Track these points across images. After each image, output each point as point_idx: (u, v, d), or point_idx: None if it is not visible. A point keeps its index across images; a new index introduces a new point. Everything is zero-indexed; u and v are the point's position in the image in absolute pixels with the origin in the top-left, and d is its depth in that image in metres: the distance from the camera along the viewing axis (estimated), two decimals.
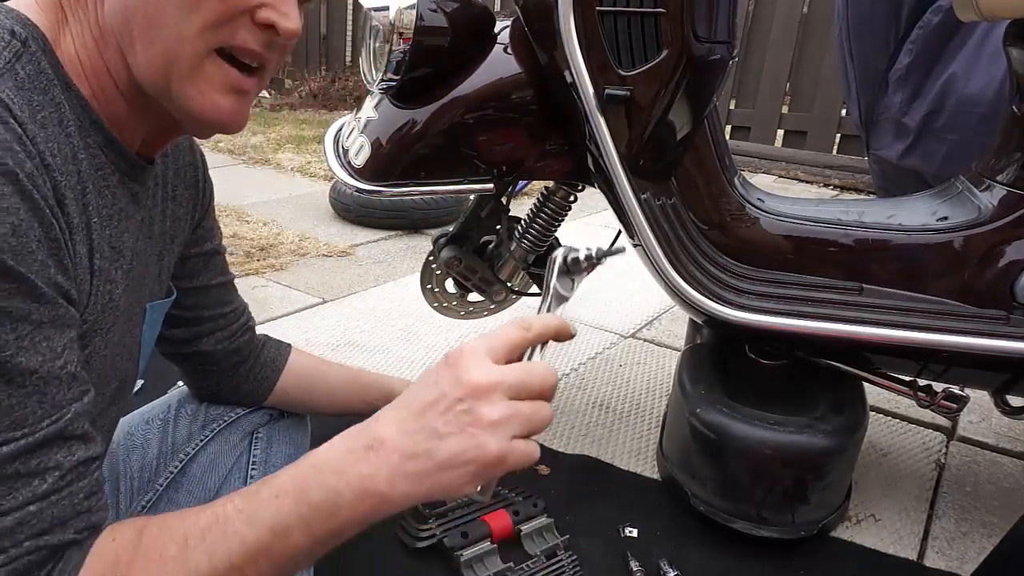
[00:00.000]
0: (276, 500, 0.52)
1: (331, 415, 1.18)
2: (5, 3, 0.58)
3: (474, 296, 1.34)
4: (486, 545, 1.04)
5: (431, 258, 1.29)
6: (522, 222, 1.25)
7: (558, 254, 0.71)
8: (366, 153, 1.05)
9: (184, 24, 0.55)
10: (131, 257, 0.67)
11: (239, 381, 1.02)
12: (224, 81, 0.59)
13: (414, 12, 0.96)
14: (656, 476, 1.29)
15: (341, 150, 1.12)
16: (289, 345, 1.10)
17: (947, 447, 1.45)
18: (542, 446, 1.35)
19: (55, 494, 0.49)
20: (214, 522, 0.52)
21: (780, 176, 4.15)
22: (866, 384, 1.18)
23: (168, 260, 0.82)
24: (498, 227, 1.25)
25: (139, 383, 0.80)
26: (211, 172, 0.90)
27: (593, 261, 0.73)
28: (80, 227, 0.56)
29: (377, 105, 1.08)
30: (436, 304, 1.34)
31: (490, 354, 0.55)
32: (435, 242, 1.28)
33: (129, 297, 0.69)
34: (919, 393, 1.11)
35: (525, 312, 1.97)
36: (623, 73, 0.98)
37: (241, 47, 0.58)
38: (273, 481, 0.54)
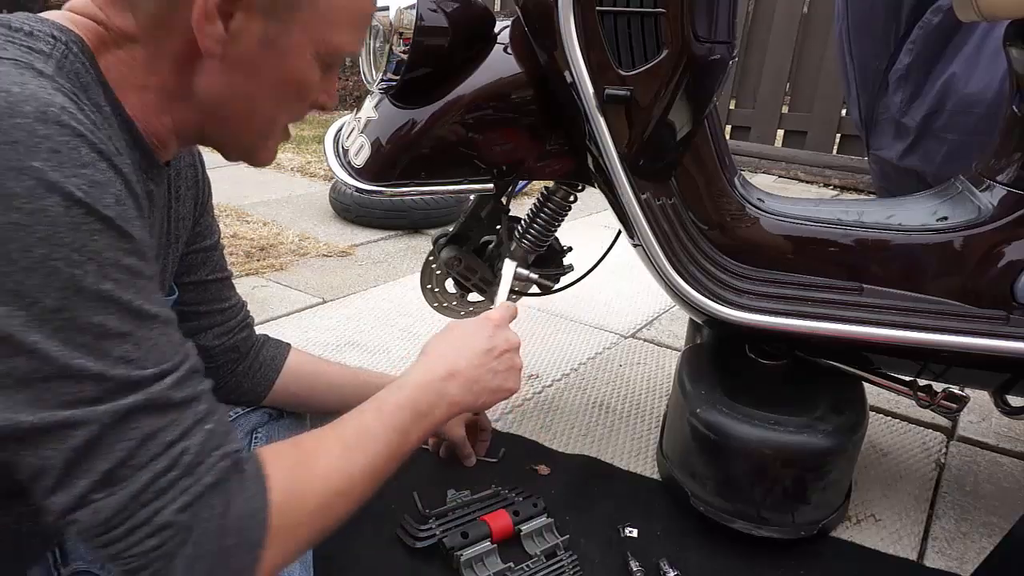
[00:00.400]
0: (400, 411, 0.73)
1: (331, 414, 1.18)
2: (40, 14, 0.61)
3: (474, 296, 1.34)
4: (486, 545, 1.04)
5: (431, 258, 1.29)
6: (522, 222, 1.25)
7: (508, 271, 0.95)
8: (366, 153, 1.05)
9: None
10: (154, 254, 0.69)
11: (238, 379, 1.02)
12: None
13: (414, 12, 0.96)
14: (656, 476, 1.29)
15: (341, 150, 1.12)
16: (288, 344, 1.10)
17: (947, 447, 1.45)
18: (542, 446, 1.35)
19: (215, 413, 0.57)
20: (362, 430, 0.70)
21: (780, 176, 4.15)
22: (866, 384, 1.18)
23: (172, 259, 0.83)
24: (498, 227, 1.25)
25: None
26: (211, 172, 0.91)
27: (539, 285, 0.98)
28: (144, 209, 0.61)
29: (377, 105, 1.08)
30: (436, 304, 1.34)
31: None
32: (435, 242, 1.28)
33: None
34: (919, 393, 1.11)
35: (524, 312, 1.96)
36: (623, 73, 0.98)
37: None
38: (389, 397, 0.74)
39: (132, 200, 0.55)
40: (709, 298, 1.07)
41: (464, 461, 1.25)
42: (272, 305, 1.95)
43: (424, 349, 0.84)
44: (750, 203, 1.11)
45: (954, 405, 1.09)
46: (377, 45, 1.01)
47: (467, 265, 1.26)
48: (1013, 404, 1.13)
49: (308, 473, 0.62)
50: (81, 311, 0.49)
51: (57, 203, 0.47)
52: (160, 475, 0.52)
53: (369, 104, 1.11)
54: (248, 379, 1.03)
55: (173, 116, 0.66)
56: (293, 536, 0.59)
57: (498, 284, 0.99)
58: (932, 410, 1.12)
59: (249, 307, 1.04)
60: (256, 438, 1.01)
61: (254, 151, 0.72)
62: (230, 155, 0.72)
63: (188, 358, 0.56)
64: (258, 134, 0.70)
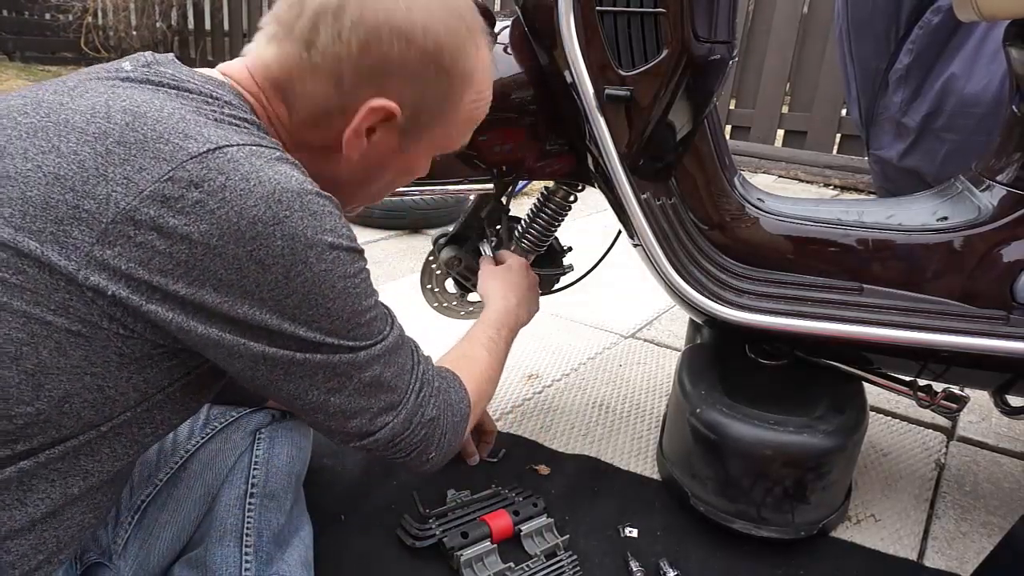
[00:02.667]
0: (504, 331, 1.02)
1: None
2: (205, 74, 0.72)
3: (474, 296, 1.34)
4: (486, 545, 1.04)
5: (431, 258, 1.29)
6: (522, 222, 1.25)
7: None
8: None
9: (384, 192, 0.87)
10: None
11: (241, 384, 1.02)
12: None
13: None
14: (656, 476, 1.29)
15: None
16: None
17: (947, 447, 1.45)
18: (542, 446, 1.35)
19: (417, 348, 0.80)
20: (487, 341, 0.97)
21: (780, 176, 4.15)
22: (866, 384, 1.18)
23: None
24: (498, 227, 1.25)
25: None
26: None
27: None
28: None
29: None
30: (436, 304, 1.34)
31: None
32: (435, 242, 1.28)
33: None
34: (919, 393, 1.11)
35: None
36: (623, 73, 0.98)
37: None
38: (491, 320, 1.02)
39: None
40: (709, 298, 1.07)
41: (467, 460, 1.25)
42: None
43: (487, 291, 1.11)
44: (750, 203, 1.11)
45: (954, 405, 1.09)
46: None
47: (467, 265, 1.25)
48: (1013, 404, 1.13)
49: (476, 372, 0.90)
50: (358, 314, 0.69)
51: (341, 248, 0.66)
52: (419, 392, 0.76)
53: None
54: None
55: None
56: (479, 405, 0.89)
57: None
58: (932, 410, 1.12)
59: None
60: (259, 438, 1.01)
61: (348, 208, 0.82)
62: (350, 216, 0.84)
63: (389, 313, 0.76)
64: (361, 203, 0.86)
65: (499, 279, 1.12)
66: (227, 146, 0.61)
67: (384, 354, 0.72)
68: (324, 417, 0.71)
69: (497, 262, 1.17)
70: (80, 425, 0.63)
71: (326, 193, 0.66)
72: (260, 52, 0.72)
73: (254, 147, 0.63)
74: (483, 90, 0.79)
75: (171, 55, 0.72)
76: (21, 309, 0.58)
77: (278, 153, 0.65)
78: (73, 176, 0.58)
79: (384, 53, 0.69)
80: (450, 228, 1.28)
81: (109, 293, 0.59)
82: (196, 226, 0.58)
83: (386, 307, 0.75)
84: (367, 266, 0.71)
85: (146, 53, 0.71)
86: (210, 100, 0.67)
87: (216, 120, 0.64)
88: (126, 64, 0.69)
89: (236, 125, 0.66)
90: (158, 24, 6.49)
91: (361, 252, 0.69)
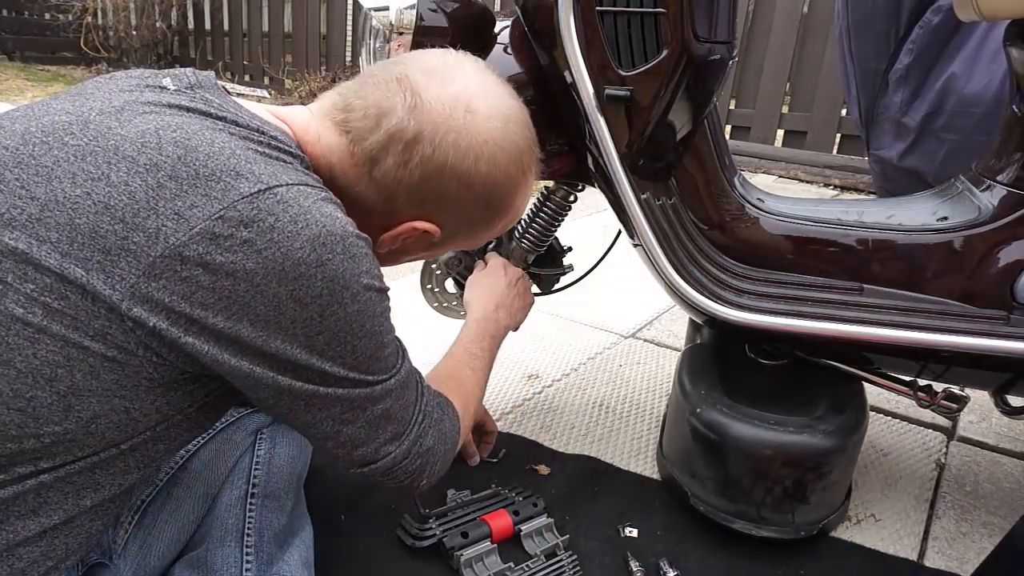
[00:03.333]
0: (484, 342, 1.04)
1: None
2: (269, 116, 0.73)
3: None
4: (486, 545, 1.04)
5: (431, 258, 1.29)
6: (522, 222, 1.25)
7: None
8: None
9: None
10: None
11: None
12: None
13: (414, 12, 0.96)
14: (656, 476, 1.29)
15: None
16: None
17: (947, 447, 1.45)
18: (542, 446, 1.35)
19: (418, 373, 0.82)
20: (470, 357, 1.00)
21: (780, 176, 4.15)
22: (866, 384, 1.18)
23: None
24: None
25: None
26: None
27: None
28: None
29: None
30: (436, 304, 1.34)
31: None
32: None
33: None
34: (919, 393, 1.11)
35: None
36: (623, 73, 0.98)
37: None
38: (471, 332, 1.05)
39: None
40: (709, 298, 1.07)
41: (468, 460, 1.25)
42: None
43: (468, 300, 1.13)
44: (750, 203, 1.11)
45: (954, 405, 1.08)
46: (377, 45, 1.01)
47: (467, 265, 1.25)
48: (1013, 404, 1.13)
49: (464, 392, 0.92)
50: (379, 351, 0.71)
51: (373, 291, 0.68)
52: (420, 423, 0.78)
53: None
54: None
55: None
56: (466, 425, 0.91)
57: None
58: (932, 410, 1.12)
59: None
60: (261, 438, 1.01)
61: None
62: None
63: (401, 347, 0.78)
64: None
65: (477, 286, 1.14)
66: (277, 186, 0.62)
67: (396, 388, 0.74)
68: (333, 444, 0.73)
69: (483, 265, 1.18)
70: (103, 444, 0.64)
71: (363, 235, 0.68)
72: (326, 130, 0.75)
73: (302, 187, 0.64)
74: (519, 214, 0.86)
75: (211, 74, 0.73)
76: (60, 334, 0.58)
77: (324, 194, 0.67)
78: (123, 207, 0.58)
79: (443, 190, 0.74)
80: None
81: (150, 324, 0.60)
82: (243, 264, 0.60)
83: (399, 340, 0.77)
84: (390, 303, 0.73)
85: (188, 71, 0.72)
86: (257, 133, 0.68)
87: (264, 155, 0.65)
88: (167, 82, 0.70)
89: (283, 161, 0.67)
90: (158, 24, 6.49)
91: (387, 291, 0.72)
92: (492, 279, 1.14)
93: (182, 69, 0.72)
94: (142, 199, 0.59)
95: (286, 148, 0.69)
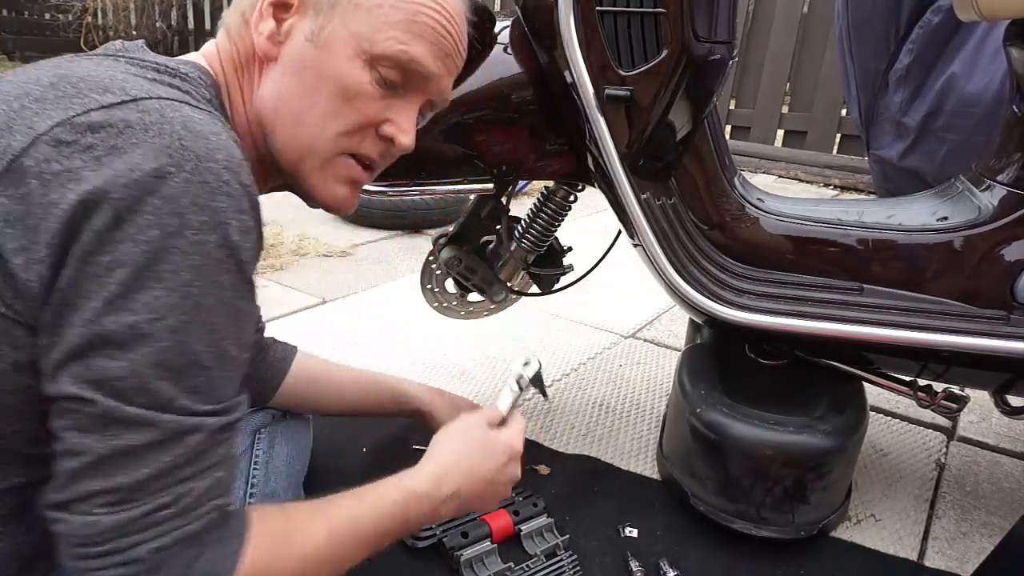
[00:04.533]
0: (392, 517, 0.72)
1: (339, 415, 1.18)
2: (182, 56, 0.68)
3: (474, 296, 1.34)
4: (486, 545, 1.04)
5: (431, 258, 1.29)
6: (522, 222, 1.25)
7: (525, 373, 0.92)
8: None
9: (325, 127, 0.69)
10: None
11: (245, 382, 1.02)
12: (347, 175, 0.72)
13: None
14: (656, 476, 1.29)
15: None
16: (295, 347, 1.10)
17: (947, 447, 1.45)
18: (542, 446, 1.35)
19: (232, 459, 0.59)
20: (350, 522, 0.68)
21: (780, 176, 4.15)
22: (866, 384, 1.18)
23: None
24: (498, 227, 1.25)
25: None
26: None
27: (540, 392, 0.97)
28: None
29: None
30: (436, 304, 1.34)
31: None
32: (435, 242, 1.28)
33: None
34: (919, 393, 1.11)
35: (524, 312, 1.96)
36: (623, 73, 0.98)
37: (365, 155, 0.72)
38: (387, 497, 0.73)
39: (259, 247, 0.61)
40: (709, 298, 1.07)
41: None
42: (272, 305, 1.95)
43: (434, 451, 0.82)
44: (750, 203, 1.11)
45: (954, 405, 1.08)
46: None
47: (467, 265, 1.25)
48: (1013, 404, 1.13)
49: (287, 549, 0.62)
50: (191, 338, 0.54)
51: (215, 241, 0.54)
52: (158, 509, 0.54)
53: None
54: (255, 382, 1.03)
55: (258, 151, 0.71)
56: None
57: (507, 389, 0.92)
58: (932, 410, 1.12)
59: None
60: (259, 438, 1.01)
61: (310, 183, 0.71)
62: (305, 194, 0.73)
63: (239, 407, 0.60)
64: (310, 150, 0.69)
65: (459, 446, 0.83)
66: (145, 99, 0.56)
67: (189, 431, 0.56)
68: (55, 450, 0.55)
69: (491, 420, 0.87)
70: None
71: (247, 183, 0.58)
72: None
73: (177, 103, 0.57)
74: None
75: (140, 42, 0.68)
76: None
77: (206, 115, 0.58)
78: None
79: None
80: (450, 228, 1.28)
81: None
82: (79, 174, 0.52)
83: (237, 382, 0.63)
84: (255, 301, 0.63)
85: (116, 42, 0.67)
86: (158, 64, 0.62)
87: (153, 80, 0.59)
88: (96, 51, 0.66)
89: (177, 88, 0.60)
90: (158, 24, 6.49)
91: (250, 274, 0.60)
92: (480, 459, 0.82)
93: (113, 42, 0.68)
94: (2, 123, 0.54)
95: (185, 76, 0.63)
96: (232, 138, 0.59)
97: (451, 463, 0.80)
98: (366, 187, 1.04)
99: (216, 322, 0.55)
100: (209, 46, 0.71)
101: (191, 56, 0.70)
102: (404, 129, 0.71)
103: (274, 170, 0.73)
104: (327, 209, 0.75)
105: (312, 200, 0.74)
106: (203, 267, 0.54)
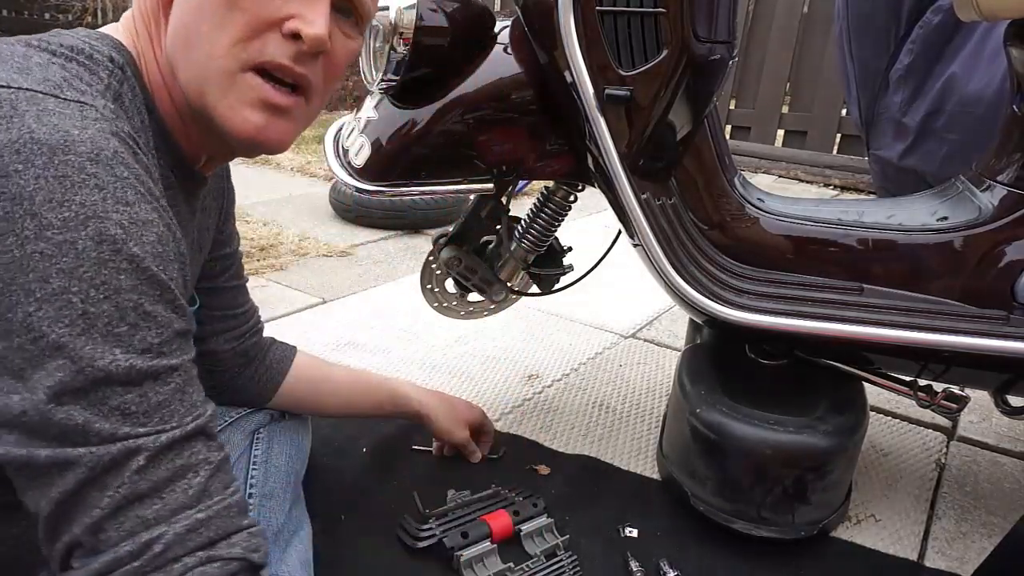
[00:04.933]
0: None
1: (337, 417, 1.18)
2: (99, 29, 0.62)
3: (474, 296, 1.34)
4: (486, 545, 1.04)
5: (431, 258, 1.29)
6: (522, 222, 1.25)
7: None
8: (366, 153, 1.05)
9: (216, 41, 0.58)
10: None
11: (244, 383, 1.02)
12: (256, 97, 0.61)
13: (414, 12, 0.96)
14: (656, 476, 1.29)
15: (341, 150, 1.12)
16: (294, 347, 1.10)
17: (947, 447, 1.45)
18: (542, 446, 1.35)
19: (217, 494, 0.52)
20: None
21: (780, 176, 4.15)
22: (866, 384, 1.18)
23: (195, 268, 0.84)
24: (498, 227, 1.25)
25: None
26: None
27: None
28: (185, 255, 0.60)
29: (377, 105, 1.08)
30: (436, 304, 1.34)
31: None
32: (435, 242, 1.28)
33: None
34: (919, 393, 1.11)
35: (524, 312, 1.96)
36: (623, 73, 0.98)
37: (271, 63, 0.60)
38: None
39: (174, 245, 0.54)
40: (709, 298, 1.07)
41: (470, 459, 1.25)
42: (272, 305, 1.95)
43: None
44: (750, 203, 1.11)
45: (954, 405, 1.08)
46: (377, 45, 1.01)
47: (467, 265, 1.25)
48: (1013, 404, 1.13)
49: None
50: (87, 353, 0.47)
51: (88, 237, 0.47)
52: (122, 562, 0.47)
53: (369, 104, 1.11)
54: (254, 383, 1.03)
55: (179, 109, 0.64)
56: None
57: None
58: (932, 410, 1.12)
59: None
60: (258, 438, 1.01)
61: (218, 114, 0.61)
62: (220, 133, 0.62)
63: (200, 419, 0.52)
64: (207, 72, 0.59)
65: None
66: (2, 87, 0.49)
67: (115, 459, 0.49)
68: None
69: None
70: None
71: (130, 166, 0.51)
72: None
73: (42, 95, 0.50)
74: None
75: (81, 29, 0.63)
76: None
77: (83, 110, 0.51)
78: None
79: None
80: (450, 228, 1.28)
81: None
82: None
83: (192, 396, 0.56)
84: (175, 317, 0.54)
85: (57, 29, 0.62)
86: (65, 49, 0.56)
87: (57, 66, 0.54)
88: None
89: (66, 69, 0.54)
90: None
91: (162, 284, 0.52)
92: None
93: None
94: None
95: (90, 56, 0.57)
96: (112, 130, 0.52)
97: None
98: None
99: (120, 331, 0.48)
100: (127, 13, 0.65)
101: (109, 28, 0.64)
102: (310, 20, 0.59)
103: (205, 127, 0.64)
104: (250, 146, 0.64)
105: (230, 137, 0.62)
106: (79, 270, 0.47)
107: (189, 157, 0.67)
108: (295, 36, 0.59)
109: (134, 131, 0.56)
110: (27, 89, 0.50)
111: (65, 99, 0.51)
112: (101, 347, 0.47)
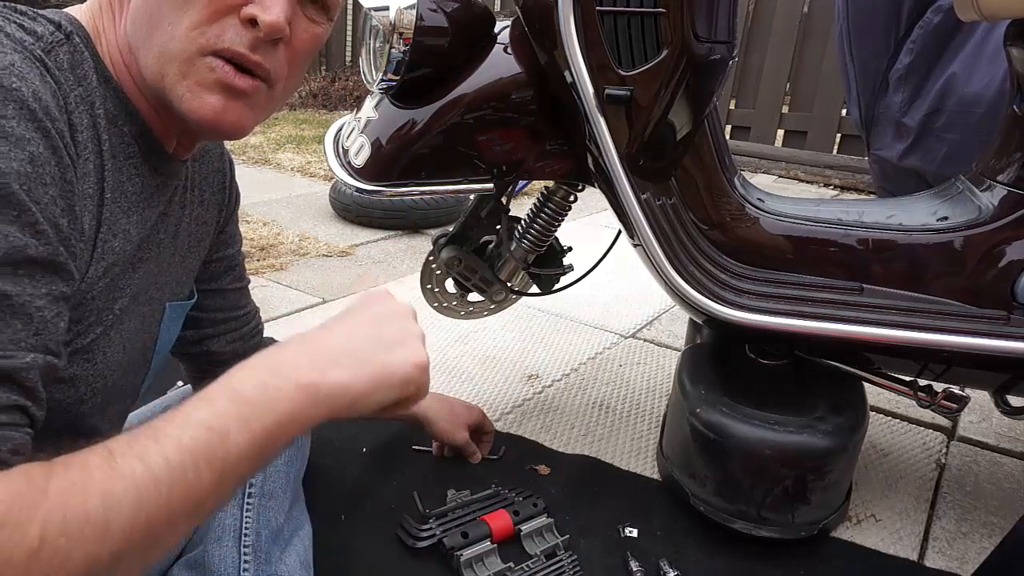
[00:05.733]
0: (208, 402, 0.48)
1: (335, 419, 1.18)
2: (63, 9, 0.61)
3: (474, 296, 1.34)
4: (486, 545, 1.04)
5: (431, 258, 1.29)
6: (522, 222, 1.25)
7: None
8: (366, 153, 1.05)
9: (176, 24, 0.58)
10: (143, 246, 0.69)
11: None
12: (215, 79, 0.60)
13: (414, 12, 0.96)
14: (656, 476, 1.29)
15: (341, 150, 1.12)
16: None
17: (947, 447, 1.45)
18: (542, 446, 1.35)
19: None
20: (141, 431, 0.46)
21: (780, 176, 4.15)
22: (866, 384, 1.18)
23: (192, 263, 0.83)
24: (498, 227, 1.25)
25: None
26: None
27: None
28: (91, 196, 0.58)
29: (377, 105, 1.08)
30: (436, 304, 1.34)
31: None
32: (435, 242, 1.28)
33: (143, 289, 0.70)
34: (919, 393, 1.11)
35: (524, 312, 1.96)
36: (623, 73, 0.98)
37: (228, 50, 0.59)
38: (199, 394, 0.50)
39: (57, 170, 0.51)
40: (709, 298, 1.07)
41: (470, 459, 1.25)
42: (272, 305, 1.95)
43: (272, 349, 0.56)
44: (750, 203, 1.11)
45: (954, 405, 1.08)
46: (377, 45, 1.01)
47: (467, 265, 1.25)
48: (1013, 404, 1.13)
49: (56, 490, 0.40)
50: None
51: None
52: None
53: (369, 104, 1.11)
54: None
55: (137, 80, 0.63)
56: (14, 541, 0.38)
57: None
58: (932, 410, 1.12)
59: None
60: None
61: (177, 97, 0.60)
62: (180, 115, 0.61)
63: (11, 360, 0.45)
64: (165, 55, 0.59)
65: (323, 331, 0.58)
66: None
67: None
68: None
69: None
70: None
71: (43, 111, 0.50)
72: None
73: None
74: None
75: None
76: None
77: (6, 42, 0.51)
78: None
79: None
80: (450, 228, 1.28)
81: None
82: None
83: (9, 333, 0.48)
84: (36, 244, 0.49)
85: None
86: (10, 7, 0.56)
87: None
88: None
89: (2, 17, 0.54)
90: None
91: (24, 207, 0.48)
92: (348, 313, 0.62)
93: None
94: None
95: (33, 16, 0.57)
96: (24, 58, 0.51)
97: (292, 348, 0.55)
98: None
99: None
100: None
101: (72, 8, 0.63)
102: (267, 5, 0.58)
103: (167, 108, 0.63)
104: (208, 129, 0.62)
105: (189, 120, 0.61)
106: None
107: (158, 134, 0.67)
108: (252, 22, 0.58)
109: (59, 70, 0.55)
110: None
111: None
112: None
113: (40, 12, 0.58)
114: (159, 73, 0.60)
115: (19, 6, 0.58)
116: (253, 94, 0.62)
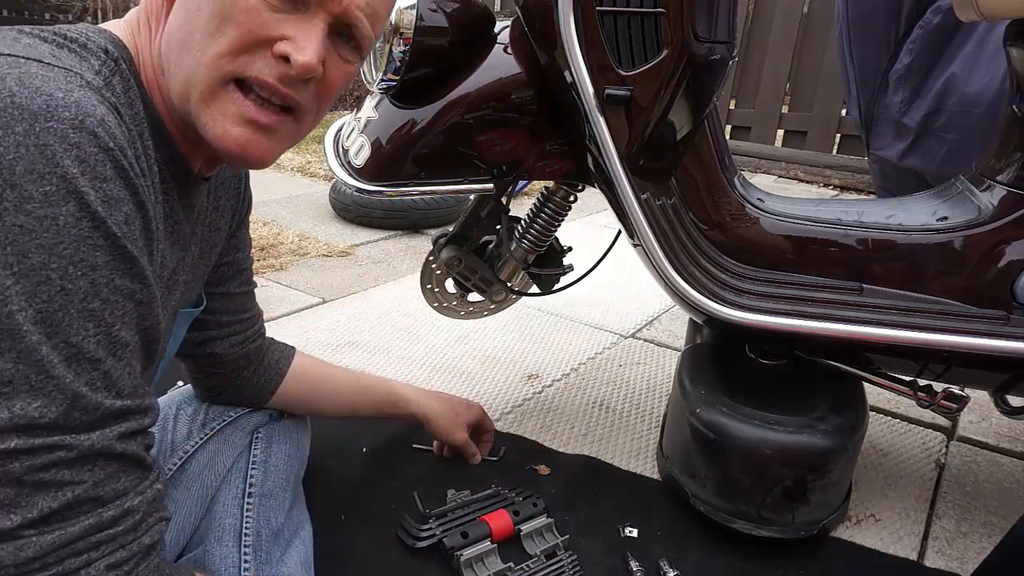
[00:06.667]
0: None
1: (336, 418, 1.18)
2: (99, 24, 0.62)
3: (474, 296, 1.34)
4: (486, 545, 1.04)
5: (431, 258, 1.29)
6: (522, 222, 1.25)
7: None
8: (366, 153, 1.05)
9: (205, 50, 0.58)
10: (173, 267, 0.70)
11: (242, 384, 1.02)
12: (237, 112, 0.60)
13: (414, 12, 0.96)
14: (656, 476, 1.29)
15: (341, 150, 1.12)
16: (293, 348, 1.10)
17: (947, 447, 1.45)
18: (542, 446, 1.35)
19: (159, 468, 0.56)
20: None
21: (780, 176, 4.15)
22: (866, 384, 1.18)
23: (204, 269, 0.84)
24: (498, 227, 1.25)
25: None
26: None
27: None
28: (154, 232, 0.60)
29: (377, 105, 1.08)
30: (436, 304, 1.34)
31: None
32: (435, 242, 1.28)
33: (165, 303, 0.70)
34: (919, 393, 1.11)
35: (524, 312, 1.96)
36: (623, 73, 0.98)
37: (256, 78, 0.59)
38: None
39: (141, 221, 0.55)
40: (709, 298, 1.07)
41: (470, 460, 1.25)
42: (272, 305, 1.95)
43: None
44: (750, 203, 1.11)
45: (954, 405, 1.08)
46: (377, 45, 1.01)
47: (467, 265, 1.25)
48: (1013, 404, 1.13)
49: None
50: (63, 327, 0.48)
51: (70, 212, 0.47)
52: (103, 527, 0.51)
53: (369, 104, 1.11)
54: (252, 384, 1.03)
55: (172, 112, 0.63)
56: None
57: None
58: (932, 410, 1.12)
59: None
60: (257, 437, 1.01)
61: (201, 123, 0.61)
62: (206, 140, 0.62)
63: (146, 398, 0.55)
64: (192, 79, 0.59)
65: None
66: None
67: (94, 448, 0.52)
68: None
69: None
70: None
71: (110, 139, 0.51)
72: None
73: (27, 60, 0.49)
74: None
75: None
76: None
77: (67, 75, 0.51)
78: None
79: None
80: (450, 228, 1.28)
81: None
82: None
83: (136, 368, 0.58)
84: (142, 290, 0.56)
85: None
86: (56, 35, 0.56)
87: (44, 43, 0.53)
88: None
89: (56, 45, 0.54)
90: None
91: (132, 259, 0.54)
92: None
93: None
94: None
95: (84, 44, 0.57)
96: (99, 98, 0.52)
97: None
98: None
99: (93, 306, 0.49)
100: (132, 10, 0.65)
101: (109, 24, 0.64)
102: (301, 46, 0.58)
103: (193, 129, 0.63)
104: (233, 158, 0.63)
105: (215, 148, 0.62)
106: (59, 246, 0.47)
107: (186, 155, 0.67)
108: (285, 59, 0.59)
109: (120, 105, 0.56)
110: (9, 55, 0.49)
111: (50, 64, 0.50)
112: (77, 323, 0.49)
113: (88, 35, 0.58)
114: (184, 96, 0.60)
115: (62, 28, 0.58)
116: (279, 128, 0.63)
